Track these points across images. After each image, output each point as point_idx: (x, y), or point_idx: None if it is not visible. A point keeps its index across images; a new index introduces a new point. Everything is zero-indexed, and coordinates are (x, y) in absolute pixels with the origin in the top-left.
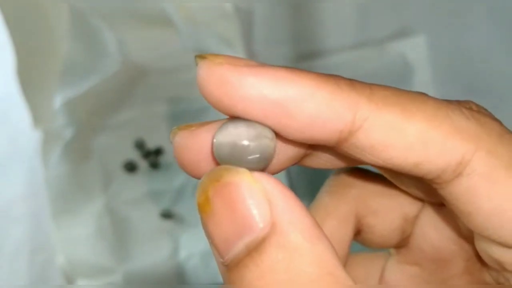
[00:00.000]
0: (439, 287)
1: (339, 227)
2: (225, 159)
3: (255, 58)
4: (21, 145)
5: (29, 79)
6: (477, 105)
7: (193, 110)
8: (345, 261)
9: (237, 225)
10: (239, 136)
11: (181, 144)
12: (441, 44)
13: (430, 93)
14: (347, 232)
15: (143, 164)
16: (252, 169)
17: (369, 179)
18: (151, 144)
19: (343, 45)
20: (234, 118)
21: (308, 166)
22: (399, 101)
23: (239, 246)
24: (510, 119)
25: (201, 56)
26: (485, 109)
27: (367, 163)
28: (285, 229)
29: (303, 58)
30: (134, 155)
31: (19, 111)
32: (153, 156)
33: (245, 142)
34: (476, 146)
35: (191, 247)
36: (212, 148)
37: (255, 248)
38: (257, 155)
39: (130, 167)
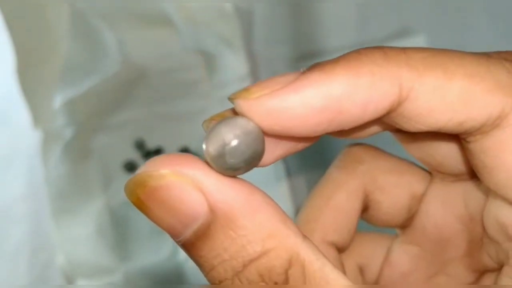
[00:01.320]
0: (436, 287)
1: (348, 200)
2: (214, 163)
3: (255, 58)
4: (21, 145)
5: (29, 79)
6: None
7: (193, 110)
8: (353, 235)
9: (179, 219)
10: (229, 132)
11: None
12: (441, 44)
13: None
14: (355, 205)
15: (143, 164)
16: (242, 168)
17: (378, 156)
18: (151, 144)
19: (343, 45)
20: (221, 120)
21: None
22: (439, 62)
23: (187, 233)
24: None
25: (233, 96)
26: None
27: (410, 131)
28: (224, 212)
29: (303, 58)
30: (134, 155)
31: (19, 111)
32: (153, 156)
33: (232, 144)
34: None
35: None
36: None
37: (203, 234)
38: (249, 150)
39: (130, 167)
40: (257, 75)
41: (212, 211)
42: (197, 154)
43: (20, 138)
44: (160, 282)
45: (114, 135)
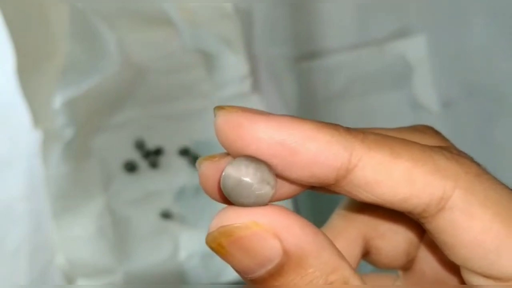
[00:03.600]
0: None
1: (348, 247)
2: (228, 190)
3: (255, 58)
4: (21, 145)
5: (29, 79)
6: (457, 149)
7: (193, 110)
8: None
9: (255, 262)
10: (247, 174)
11: (204, 173)
12: (441, 44)
13: (430, 93)
14: (355, 252)
15: (143, 164)
16: (248, 205)
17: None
18: (151, 144)
19: (343, 45)
20: (247, 156)
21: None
22: (388, 144)
23: (261, 272)
24: (511, 119)
25: (219, 107)
26: (465, 153)
27: (363, 200)
28: (297, 254)
29: (303, 58)
30: (134, 155)
31: (19, 111)
32: (153, 156)
33: (250, 181)
34: (455, 183)
35: (191, 247)
36: (219, 179)
37: (276, 272)
38: (255, 196)
39: (130, 167)
40: (257, 75)
41: (286, 253)
42: (196, 154)
43: (20, 138)
44: (160, 282)
45: (114, 135)
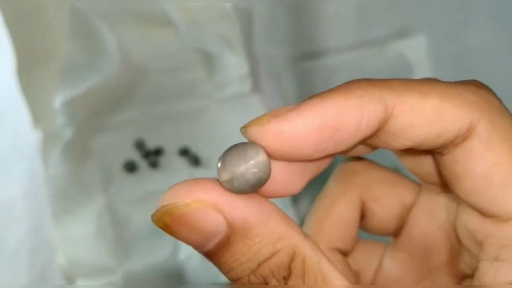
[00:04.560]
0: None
1: (347, 211)
2: (229, 187)
3: (255, 58)
4: (21, 145)
5: (29, 79)
6: (480, 83)
7: (193, 110)
8: (355, 241)
9: (202, 236)
10: (237, 164)
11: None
12: (441, 44)
13: None
14: (354, 215)
15: (143, 164)
16: (251, 186)
17: (372, 169)
18: (151, 144)
19: (343, 45)
20: (232, 146)
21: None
22: (414, 86)
23: (210, 245)
24: None
25: (245, 126)
26: (488, 87)
27: (396, 148)
28: (241, 225)
29: (303, 58)
30: (134, 155)
31: (19, 111)
32: (153, 156)
33: (244, 168)
34: (481, 115)
35: (191, 247)
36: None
37: (224, 244)
38: (254, 178)
39: (130, 167)
40: (257, 75)
41: (230, 226)
42: (197, 154)
43: (20, 138)
44: (160, 282)
45: (114, 135)
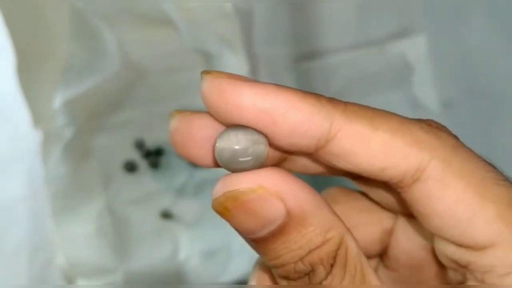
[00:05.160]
0: (432, 287)
1: None
2: (225, 162)
3: (255, 58)
4: (21, 145)
5: (29, 79)
6: (436, 123)
7: (193, 110)
8: None
9: (259, 223)
10: (237, 142)
11: (176, 127)
12: (441, 44)
13: (430, 93)
14: None
15: (143, 164)
16: (247, 169)
17: (352, 197)
18: (151, 144)
19: (343, 45)
20: (233, 126)
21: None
22: (368, 115)
23: (263, 232)
24: (511, 119)
25: (206, 71)
26: (444, 126)
27: (340, 169)
28: (298, 214)
29: (303, 58)
30: (134, 155)
31: (19, 111)
32: (153, 156)
33: (243, 147)
34: (432, 155)
35: (191, 247)
36: (213, 151)
37: (278, 232)
38: (252, 159)
39: (130, 167)
40: (257, 75)
41: (289, 213)
42: None
43: (20, 138)
44: (160, 282)
45: (114, 135)
